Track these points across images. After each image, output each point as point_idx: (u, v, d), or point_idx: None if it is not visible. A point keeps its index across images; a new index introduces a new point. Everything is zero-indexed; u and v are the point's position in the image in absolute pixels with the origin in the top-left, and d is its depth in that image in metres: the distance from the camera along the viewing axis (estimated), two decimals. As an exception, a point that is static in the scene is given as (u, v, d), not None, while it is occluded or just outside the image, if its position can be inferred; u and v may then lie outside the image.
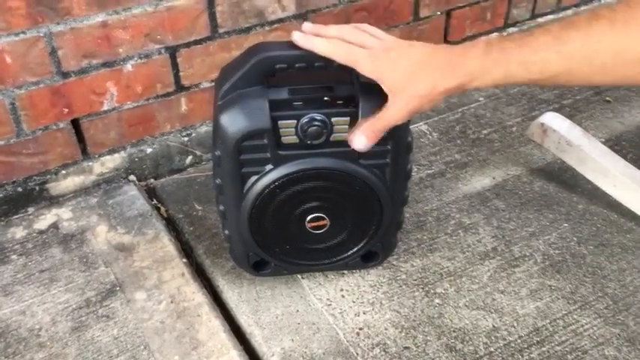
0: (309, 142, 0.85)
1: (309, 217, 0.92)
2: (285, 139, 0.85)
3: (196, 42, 1.18)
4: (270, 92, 0.84)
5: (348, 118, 0.84)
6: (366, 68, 0.78)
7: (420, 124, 1.39)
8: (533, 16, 1.64)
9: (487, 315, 0.97)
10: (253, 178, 0.88)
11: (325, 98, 0.85)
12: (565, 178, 1.23)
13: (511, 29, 1.61)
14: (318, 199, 0.91)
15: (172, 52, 1.17)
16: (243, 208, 0.90)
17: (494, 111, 1.43)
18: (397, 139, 0.87)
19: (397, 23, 1.41)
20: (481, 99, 1.47)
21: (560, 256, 1.07)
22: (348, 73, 0.85)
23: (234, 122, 0.83)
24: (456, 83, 0.75)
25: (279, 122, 0.84)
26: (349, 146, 0.85)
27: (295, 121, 0.84)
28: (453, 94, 0.78)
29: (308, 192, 0.89)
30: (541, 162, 1.28)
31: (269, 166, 0.87)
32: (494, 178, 1.24)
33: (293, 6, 1.24)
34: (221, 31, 1.20)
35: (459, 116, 1.42)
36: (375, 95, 0.83)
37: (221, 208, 0.94)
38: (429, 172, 1.26)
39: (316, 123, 0.83)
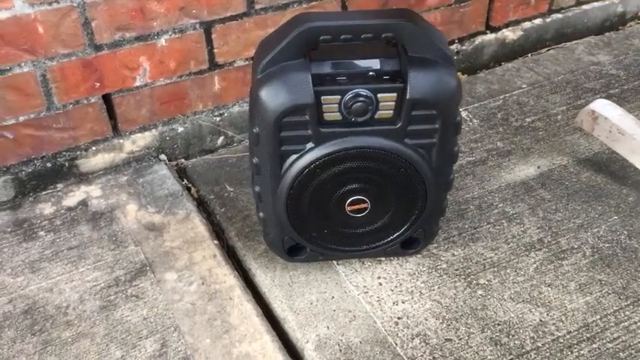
0: (352, 119, 0.81)
1: (349, 200, 0.88)
2: (327, 116, 0.81)
3: (232, 18, 1.14)
4: (313, 66, 0.80)
5: (394, 94, 0.80)
6: None
7: (460, 109, 1.33)
8: (579, 3, 1.57)
9: (534, 308, 0.92)
10: (293, 157, 0.83)
11: (371, 73, 0.81)
12: (614, 169, 1.17)
13: (555, 15, 1.54)
14: (359, 180, 0.86)
15: (207, 27, 1.13)
16: (281, 189, 0.86)
17: (537, 99, 1.37)
18: (446, 118, 0.82)
19: (438, 5, 1.35)
20: (524, 86, 1.41)
21: (610, 250, 1.01)
22: (394, 46, 0.80)
23: (275, 97, 0.79)
24: None
25: (322, 97, 0.79)
26: (395, 124, 0.81)
27: (339, 97, 0.79)
28: None
29: (350, 173, 0.85)
30: (588, 152, 1.21)
31: (310, 145, 0.82)
32: (538, 167, 1.18)
33: (332, -17, 1.20)
34: (257, 7, 1.15)
35: (500, 103, 1.36)
36: (423, 70, 0.79)
37: (257, 189, 0.90)
38: (469, 159, 1.21)
39: (361, 99, 0.79)
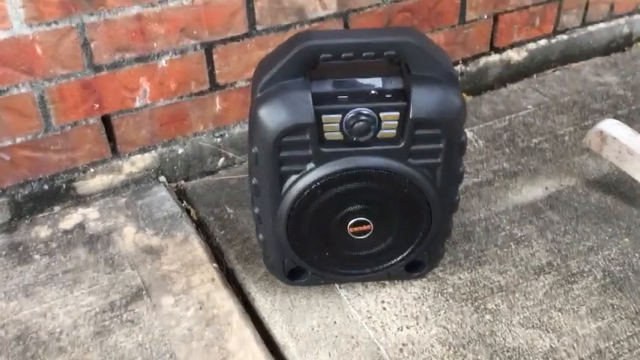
0: (354, 138, 0.78)
1: (351, 222, 0.85)
2: (328, 135, 0.79)
3: (233, 39, 1.13)
4: (314, 85, 0.78)
5: (397, 113, 0.78)
6: None
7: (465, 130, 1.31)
8: (584, 24, 1.56)
9: (544, 334, 0.88)
10: (293, 178, 0.81)
11: (373, 92, 0.79)
12: (624, 190, 1.14)
13: (560, 36, 1.52)
14: (362, 201, 0.84)
15: (208, 48, 1.12)
16: (281, 210, 0.83)
17: (544, 119, 1.35)
18: (450, 137, 0.80)
19: (442, 26, 1.34)
20: (530, 107, 1.39)
21: (622, 273, 0.98)
22: (397, 65, 0.78)
23: (274, 116, 0.77)
24: None
25: (323, 117, 0.77)
26: (397, 144, 0.78)
27: (340, 116, 0.77)
28: None
29: (352, 193, 0.82)
30: (597, 173, 1.19)
31: (310, 165, 0.80)
32: (546, 189, 1.15)
33: (334, 4, 1.19)
34: (259, 28, 1.14)
35: (506, 124, 1.34)
36: (427, 88, 0.77)
37: (256, 210, 0.87)
38: (475, 180, 1.18)
39: (363, 118, 0.77)
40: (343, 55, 0.76)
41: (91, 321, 0.92)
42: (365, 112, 0.77)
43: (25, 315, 0.93)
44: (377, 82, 0.80)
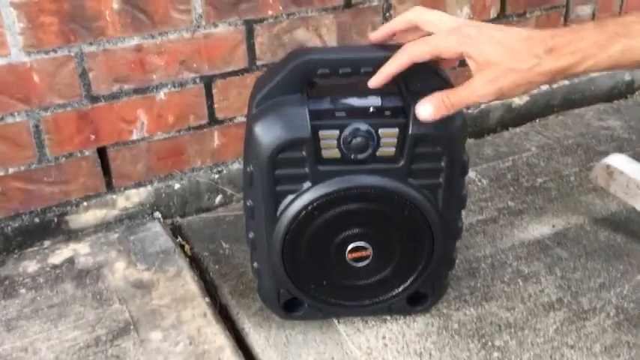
0: (352, 156, 0.76)
1: (350, 247, 0.81)
2: (325, 153, 0.76)
3: (233, 73, 1.13)
4: (311, 103, 0.76)
5: (396, 130, 0.75)
6: (451, 44, 0.67)
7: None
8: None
9: (556, 372, 0.83)
10: (289, 198, 0.78)
11: (371, 109, 0.77)
12: (633, 228, 1.10)
13: (562, 82, 1.52)
14: (361, 224, 0.80)
15: (208, 82, 1.11)
16: (276, 233, 0.80)
17: (548, 160, 1.32)
18: (452, 156, 0.77)
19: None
20: (533, 149, 1.37)
21: (637, 310, 0.93)
22: (395, 82, 0.77)
23: (269, 131, 0.75)
24: (564, 63, 0.64)
25: (320, 132, 0.75)
26: (397, 162, 0.76)
27: (338, 132, 0.75)
28: (555, 79, 0.66)
29: (350, 215, 0.79)
30: (605, 212, 1.15)
31: (307, 184, 0.77)
32: (553, 227, 1.11)
33: (334, 41, 1.19)
34: (259, 63, 1.14)
35: (509, 164, 1.31)
36: (427, 105, 0.74)
37: (251, 235, 0.84)
38: (479, 217, 1.14)
39: (361, 134, 0.74)
40: (341, 71, 0.74)
41: (74, 356, 0.87)
42: (363, 128, 0.74)
43: (6, 349, 0.88)
44: (376, 101, 0.78)
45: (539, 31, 0.66)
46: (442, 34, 0.69)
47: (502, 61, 0.65)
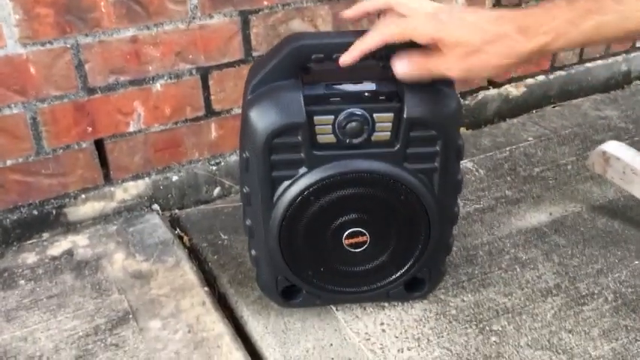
0: (348, 141, 0.76)
1: (346, 232, 0.81)
2: (321, 138, 0.76)
3: (229, 64, 1.13)
4: (306, 88, 0.76)
5: (391, 115, 0.75)
6: (428, 30, 0.67)
7: (465, 161, 1.29)
8: (582, 61, 1.56)
9: (554, 355, 0.83)
10: (285, 184, 0.78)
11: (366, 93, 0.77)
12: (631, 215, 1.10)
13: (558, 72, 1.52)
14: (357, 209, 0.80)
15: (204, 73, 1.11)
16: (273, 219, 0.80)
17: (545, 150, 1.33)
18: (447, 140, 0.77)
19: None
20: (530, 139, 1.37)
21: (634, 295, 0.93)
22: (389, 68, 0.77)
23: (264, 116, 0.75)
24: (537, 44, 0.63)
25: (315, 118, 0.75)
26: (392, 146, 0.76)
27: (333, 117, 0.75)
28: (530, 59, 0.65)
29: (346, 201, 0.79)
30: (602, 199, 1.15)
31: (303, 169, 0.77)
32: (551, 214, 1.11)
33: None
34: (255, 54, 1.14)
35: (507, 155, 1.32)
36: (421, 89, 0.75)
37: (248, 222, 0.84)
38: (477, 206, 1.14)
39: (356, 118, 0.75)
40: (335, 56, 0.74)
41: (74, 345, 0.87)
42: (358, 112, 0.75)
43: (5, 339, 0.88)
44: (370, 86, 0.78)
45: (510, 11, 0.66)
46: (418, 17, 0.69)
47: (473, 42, 0.65)
